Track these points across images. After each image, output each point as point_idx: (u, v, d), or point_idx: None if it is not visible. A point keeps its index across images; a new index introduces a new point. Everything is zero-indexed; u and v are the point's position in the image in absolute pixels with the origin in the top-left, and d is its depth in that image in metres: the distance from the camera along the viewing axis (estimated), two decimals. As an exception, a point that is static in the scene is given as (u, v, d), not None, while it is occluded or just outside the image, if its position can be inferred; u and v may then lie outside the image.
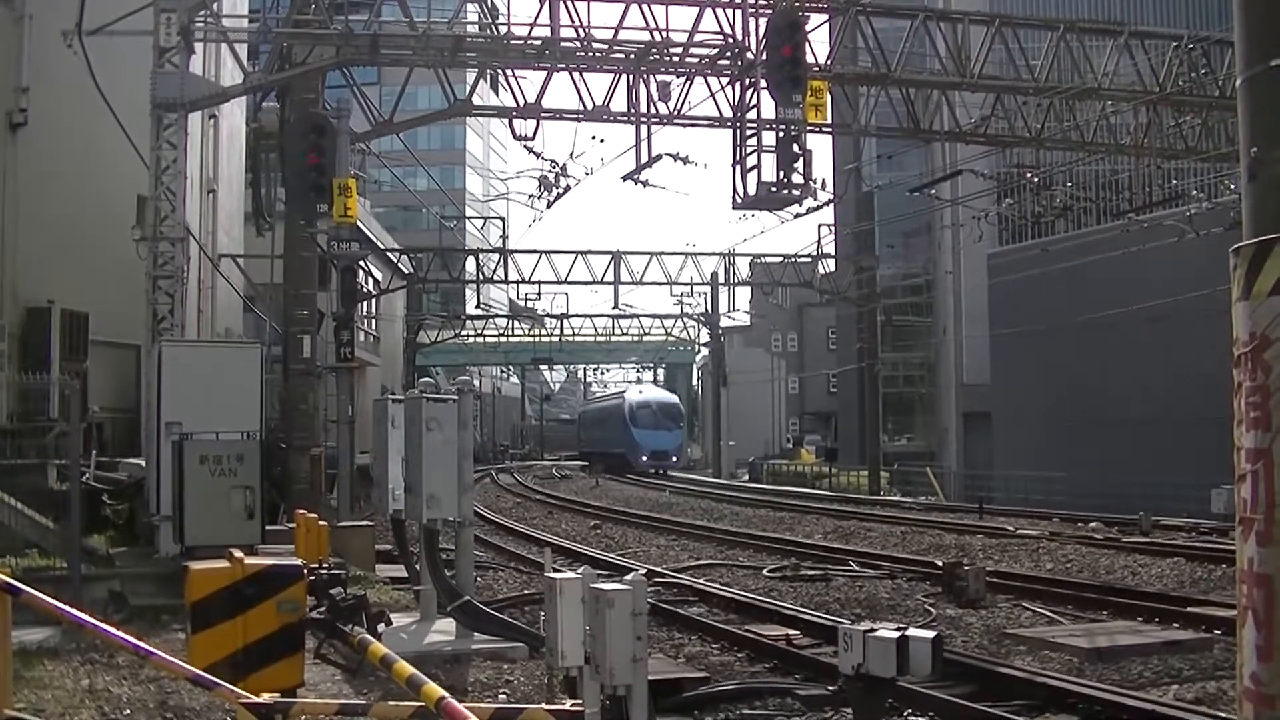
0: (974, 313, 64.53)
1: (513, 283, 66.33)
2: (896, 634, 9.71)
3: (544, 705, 8.47)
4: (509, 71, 30.38)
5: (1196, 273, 29.21)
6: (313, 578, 12.52)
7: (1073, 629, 17.63)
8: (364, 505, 30.29)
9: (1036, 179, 43.41)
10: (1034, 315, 52.48)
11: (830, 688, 12.60)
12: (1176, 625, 17.73)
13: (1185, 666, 15.11)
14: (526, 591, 21.14)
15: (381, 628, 13.53)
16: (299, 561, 11.04)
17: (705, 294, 77.12)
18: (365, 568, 21.72)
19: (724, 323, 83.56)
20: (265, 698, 6.79)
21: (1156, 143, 34.69)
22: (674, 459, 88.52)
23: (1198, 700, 12.91)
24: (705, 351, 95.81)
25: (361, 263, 38.33)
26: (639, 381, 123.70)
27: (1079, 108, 33.94)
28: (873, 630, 9.90)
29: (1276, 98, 4.55)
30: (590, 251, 64.23)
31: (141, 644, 8.33)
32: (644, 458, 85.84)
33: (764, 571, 24.68)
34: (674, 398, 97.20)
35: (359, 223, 33.86)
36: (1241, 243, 4.51)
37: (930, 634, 9.84)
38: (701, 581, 22.77)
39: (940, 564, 22.40)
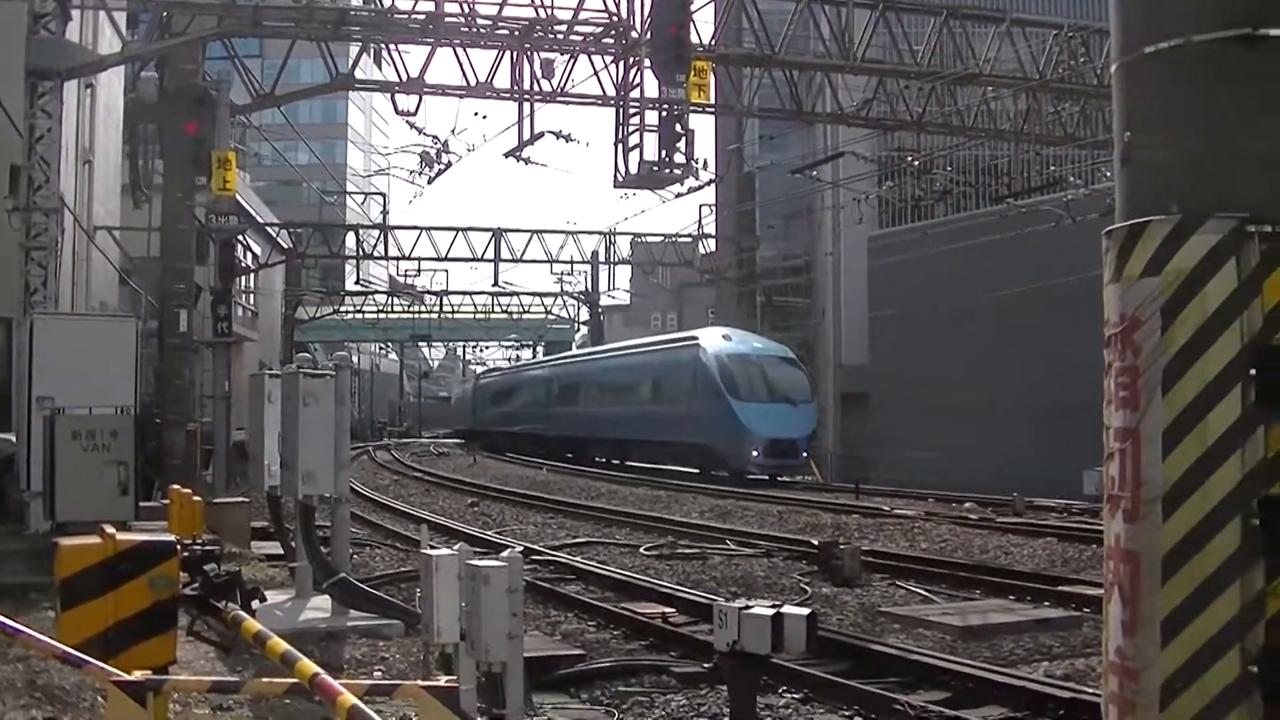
0: (853, 294, 65.01)
1: (393, 259, 66.12)
2: (771, 611, 9.78)
3: (419, 681, 8.45)
4: (392, 46, 30.24)
5: (1073, 257, 29.63)
6: (186, 554, 12.36)
7: (946, 607, 17.86)
8: (240, 481, 30.01)
9: (917, 162, 43.84)
10: (913, 297, 53.05)
11: (706, 665, 12.67)
12: (1047, 604, 18.01)
13: (1055, 643, 15.36)
14: (403, 569, 21.05)
15: (256, 604, 13.38)
16: (172, 537, 10.90)
17: (585, 272, 77.37)
18: (241, 544, 21.52)
19: (604, 301, 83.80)
20: (137, 675, 6.68)
21: (1036, 129, 35.20)
22: (804, 455, 51.37)
23: (1066, 676, 13.13)
24: (585, 330, 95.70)
25: (240, 237, 38.04)
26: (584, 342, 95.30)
27: (960, 93, 34.37)
28: (748, 608, 9.96)
29: (1149, 84, 4.63)
30: (471, 228, 64.10)
31: (9, 622, 8.20)
32: (755, 453, 48.53)
33: (641, 550, 24.74)
34: (784, 349, 55.81)
35: (238, 196, 33.51)
36: (1114, 226, 4.59)
37: (804, 611, 9.93)
38: (579, 559, 22.79)
39: (816, 543, 22.57)
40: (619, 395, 62.21)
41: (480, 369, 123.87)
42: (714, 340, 53.55)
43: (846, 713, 11.70)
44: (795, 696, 12.23)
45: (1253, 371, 4.21)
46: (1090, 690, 11.53)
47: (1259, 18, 4.41)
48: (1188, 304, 4.28)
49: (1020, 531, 26.89)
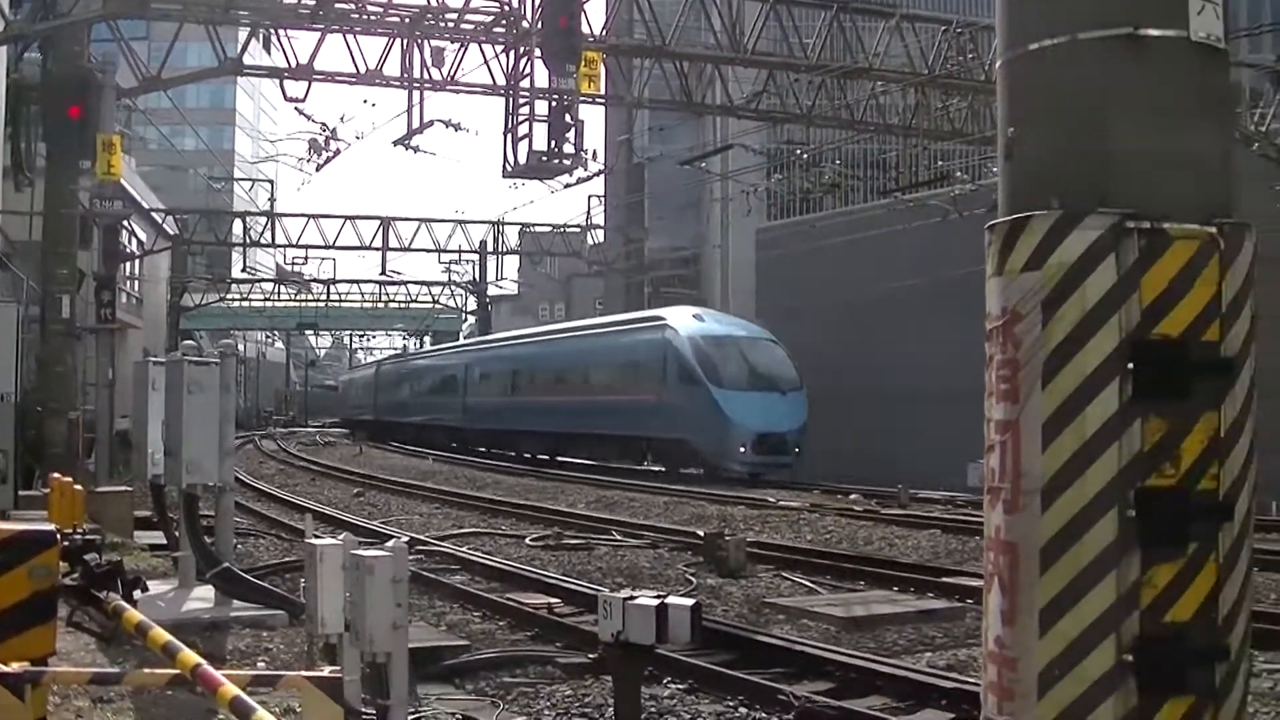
0: (741, 286, 65.33)
1: (280, 246, 65.59)
2: (656, 602, 9.80)
3: (303, 672, 8.38)
4: (282, 31, 29.92)
5: (961, 251, 29.89)
6: (66, 543, 12.18)
7: (831, 598, 17.98)
8: (123, 470, 29.59)
9: (806, 155, 44.14)
10: (801, 289, 53.31)
11: (591, 656, 12.68)
12: (931, 595, 18.18)
13: (939, 634, 15.52)
14: (287, 559, 20.88)
15: (138, 594, 13.23)
16: (53, 527, 10.74)
17: (474, 262, 77.06)
18: (123, 534, 21.20)
19: (492, 291, 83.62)
20: (15, 667, 6.58)
21: (924, 124, 35.52)
22: (797, 452, 44.40)
23: (950, 666, 13.27)
24: (472, 320, 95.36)
25: (125, 222, 37.47)
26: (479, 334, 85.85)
27: (850, 87, 34.59)
28: (633, 598, 9.98)
29: (1032, 81, 4.70)
30: (359, 217, 63.79)
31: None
32: (742, 449, 43.25)
33: (527, 540, 24.71)
34: (763, 330, 48.96)
35: (123, 181, 32.98)
36: (996, 220, 4.65)
37: (689, 602, 9.95)
38: (464, 550, 22.71)
39: (702, 534, 22.63)
40: (561, 383, 55.94)
41: (373, 356, 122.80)
42: (685, 320, 47.08)
43: (731, 703, 11.75)
44: (680, 687, 12.27)
45: (1130, 365, 4.29)
46: (973, 680, 11.65)
47: (1141, 18, 4.49)
48: (1068, 298, 4.35)
49: (905, 523, 27.14)
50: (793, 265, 53.31)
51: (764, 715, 11.37)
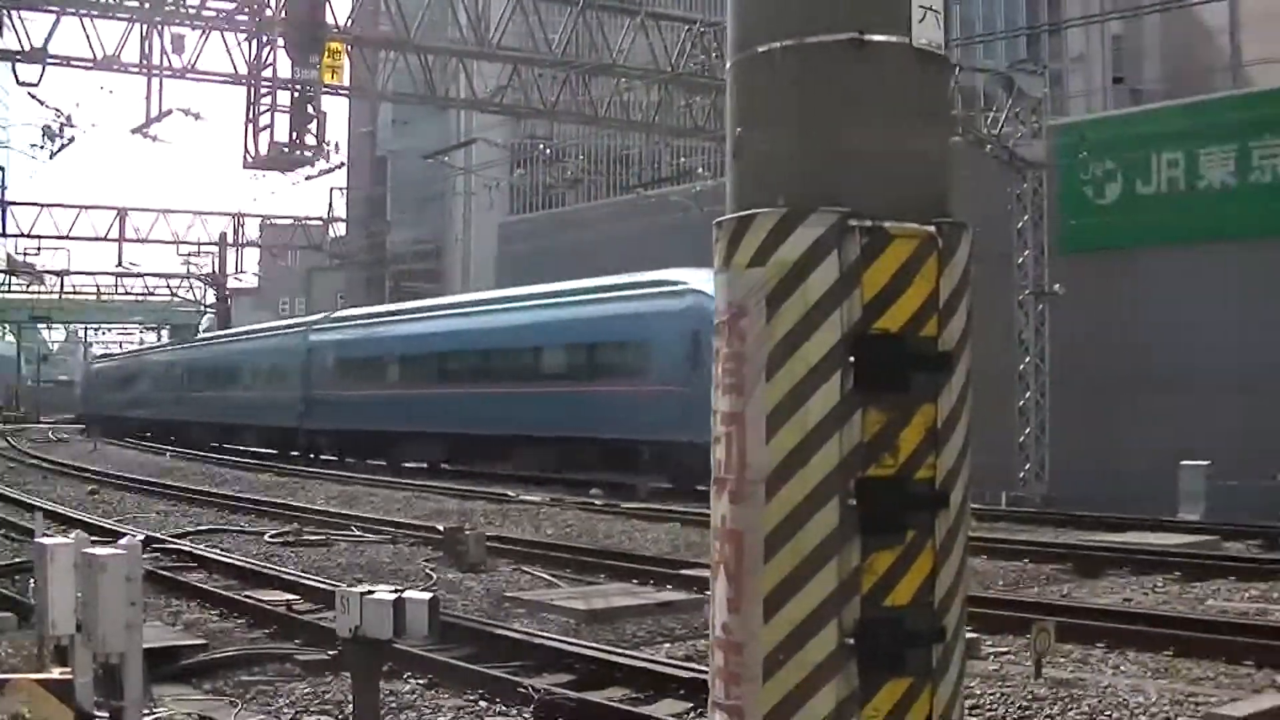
0: (483, 280, 65.26)
1: (10, 236, 63.45)
2: (393, 596, 9.78)
3: (32, 675, 8.18)
4: (13, 11, 28.94)
5: (704, 247, 30.33)
6: None
7: (571, 591, 18.11)
8: None
9: (549, 150, 44.28)
10: (543, 283, 53.43)
11: (330, 652, 12.58)
12: (670, 587, 18.42)
13: (677, 625, 15.74)
14: (17, 559, 20.26)
15: None
16: None
17: (213, 254, 75.55)
18: None
19: (231, 284, 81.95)
20: None
21: (668, 120, 35.88)
22: None
23: (688, 657, 13.48)
24: (212, 314, 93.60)
25: None
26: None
27: (594, 83, 34.77)
28: (370, 593, 9.94)
29: (760, 82, 4.80)
30: (94, 207, 62.33)
31: None
32: None
33: (266, 537, 24.40)
34: None
35: None
36: (723, 217, 4.76)
37: (426, 596, 9.95)
38: (202, 547, 22.33)
39: (442, 529, 22.60)
40: (490, 371, 44.03)
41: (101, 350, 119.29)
42: (696, 279, 35.30)
43: (471, 697, 11.76)
44: (420, 682, 12.25)
45: (851, 359, 4.43)
46: (709, 669, 11.83)
47: (866, 23, 4.63)
48: (791, 294, 4.46)
49: (644, 516, 27.45)
50: (535, 259, 53.39)
51: (504, 708, 11.41)
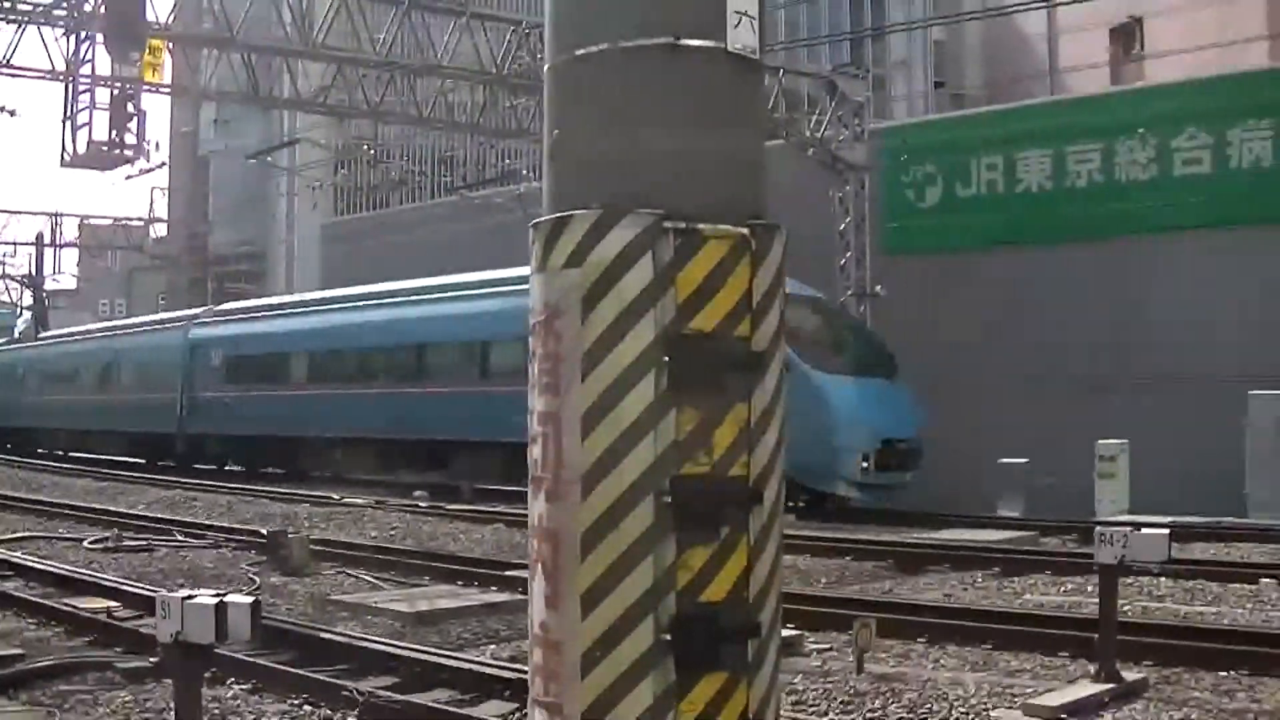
0: (307, 282, 64.60)
1: None
2: (214, 600, 9.67)
3: None
4: None
5: (523, 248, 30.36)
6: None
7: (395, 594, 18.00)
8: None
9: (374, 151, 44.02)
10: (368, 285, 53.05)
11: (151, 659, 12.40)
12: (495, 588, 18.36)
13: (503, 627, 15.70)
14: None
15: None
16: None
17: (30, 255, 73.97)
18: None
19: (49, 285, 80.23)
20: None
21: (493, 122, 35.85)
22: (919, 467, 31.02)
23: (513, 658, 13.45)
24: (28, 315, 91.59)
25: None
26: None
27: (419, 83, 34.65)
28: (191, 597, 9.82)
29: (578, 85, 4.86)
30: (-98, 206, 60.37)
31: None
32: (864, 464, 29.53)
33: (85, 544, 23.90)
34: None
35: None
36: (540, 219, 4.80)
37: (248, 599, 9.85)
38: (17, 555, 21.83)
39: (265, 533, 22.36)
40: (444, 367, 38.27)
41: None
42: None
43: (296, 701, 11.64)
44: (244, 687, 12.10)
45: (666, 359, 4.50)
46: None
47: (681, 28, 4.70)
48: (606, 294, 4.53)
49: (468, 518, 27.39)
50: (359, 260, 52.98)
51: (329, 712, 11.31)
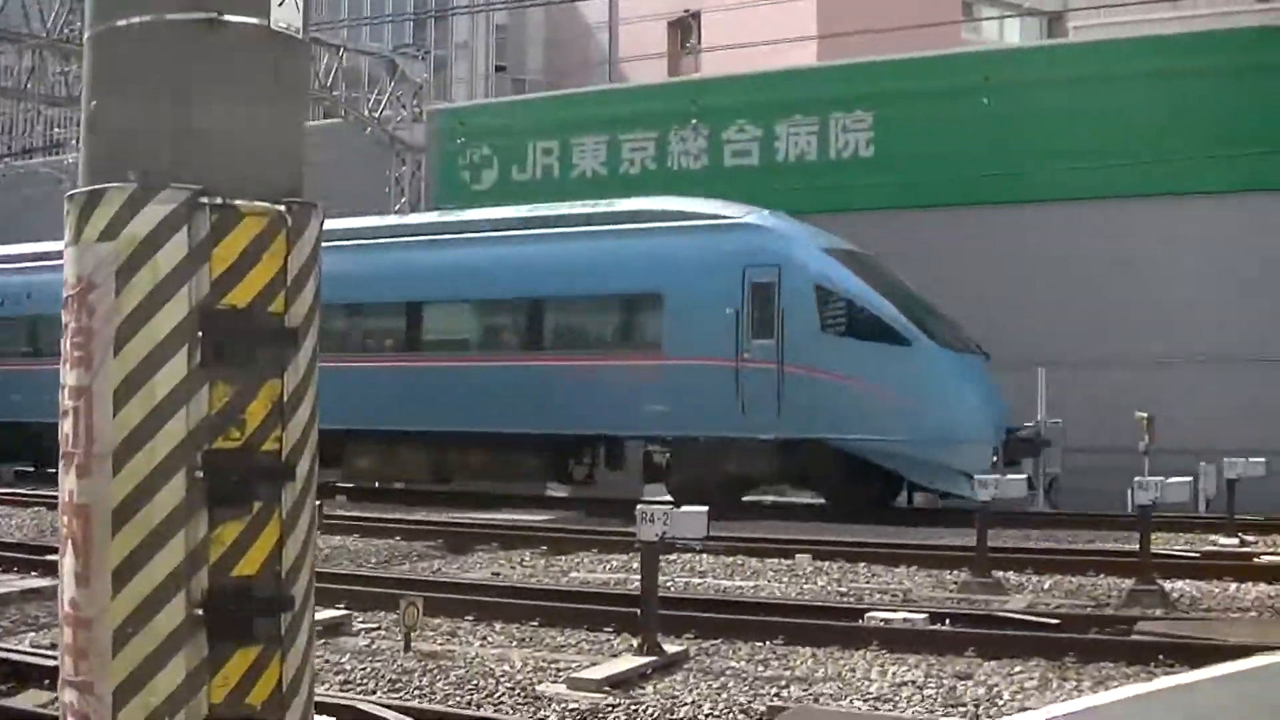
0: None
1: None
2: None
3: None
4: None
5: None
6: None
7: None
8: None
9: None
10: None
11: None
12: (35, 573, 17.76)
13: (42, 613, 15.21)
14: None
15: None
16: None
17: None
18: None
19: None
20: None
21: (40, 89, 34.45)
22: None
23: (53, 645, 13.03)
24: None
25: None
26: None
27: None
28: None
29: (116, 56, 4.80)
30: None
31: None
32: (994, 457, 23.67)
33: None
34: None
35: None
36: (75, 190, 4.73)
37: None
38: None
39: None
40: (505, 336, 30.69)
41: None
42: (784, 222, 26.95)
43: None
44: None
45: (200, 334, 4.51)
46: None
47: (222, 4, 4.71)
48: (140, 269, 4.50)
49: (9, 502, 26.34)
50: None
51: None
